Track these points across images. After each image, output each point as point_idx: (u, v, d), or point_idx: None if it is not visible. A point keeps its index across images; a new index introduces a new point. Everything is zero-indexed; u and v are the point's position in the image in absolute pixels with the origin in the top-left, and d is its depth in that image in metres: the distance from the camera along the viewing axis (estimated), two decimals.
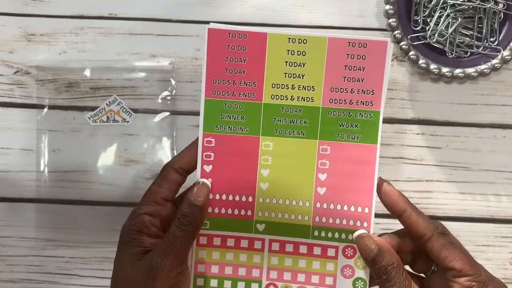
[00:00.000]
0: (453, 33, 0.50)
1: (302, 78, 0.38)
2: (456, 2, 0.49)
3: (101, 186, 0.51)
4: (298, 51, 0.37)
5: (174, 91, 0.51)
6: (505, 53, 0.50)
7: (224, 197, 0.38)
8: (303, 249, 0.39)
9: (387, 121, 0.52)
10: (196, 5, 0.52)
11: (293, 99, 0.38)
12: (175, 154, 0.51)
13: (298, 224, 0.38)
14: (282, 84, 0.38)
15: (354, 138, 0.38)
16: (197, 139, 0.38)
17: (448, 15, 0.50)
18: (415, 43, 0.50)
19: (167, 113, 0.51)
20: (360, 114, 0.38)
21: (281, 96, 0.38)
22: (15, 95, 0.52)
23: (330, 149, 0.38)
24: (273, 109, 0.38)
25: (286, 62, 0.37)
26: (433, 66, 0.50)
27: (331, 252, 0.38)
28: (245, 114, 0.38)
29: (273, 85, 0.38)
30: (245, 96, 0.38)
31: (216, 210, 0.39)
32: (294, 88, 0.38)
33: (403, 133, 0.52)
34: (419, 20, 0.50)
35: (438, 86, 0.52)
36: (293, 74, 0.38)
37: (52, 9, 0.52)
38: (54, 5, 0.52)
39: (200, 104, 0.38)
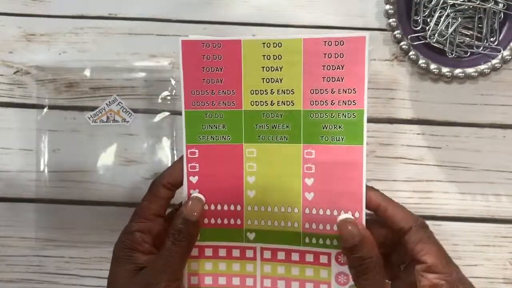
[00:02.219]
0: (453, 33, 0.50)
1: (280, 82, 0.37)
2: (456, 2, 0.49)
3: (101, 186, 0.51)
4: (274, 55, 0.37)
5: (174, 91, 0.51)
6: (505, 53, 0.50)
7: (212, 207, 0.38)
8: (295, 256, 0.38)
9: (387, 121, 0.52)
10: (196, 5, 0.52)
11: (273, 104, 0.37)
12: (175, 154, 0.51)
13: (288, 231, 0.38)
14: (260, 90, 0.37)
15: (338, 140, 0.37)
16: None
17: (448, 15, 0.50)
18: (415, 43, 0.50)
19: (167, 113, 0.51)
20: (343, 114, 0.37)
21: (260, 102, 0.37)
22: (15, 95, 0.52)
23: (315, 152, 0.37)
24: (253, 115, 0.37)
25: (263, 67, 0.37)
26: (433, 66, 0.50)
27: (323, 259, 0.38)
28: (226, 122, 0.38)
29: (252, 91, 0.37)
30: (225, 104, 0.37)
31: (206, 221, 0.38)
32: (273, 93, 0.37)
33: (403, 133, 0.52)
34: (419, 20, 0.50)
35: (438, 86, 0.52)
36: (271, 79, 0.37)
37: (52, 9, 0.52)
38: (54, 5, 0.52)
39: (182, 116, 0.38)
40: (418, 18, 0.50)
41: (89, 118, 0.51)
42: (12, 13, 0.52)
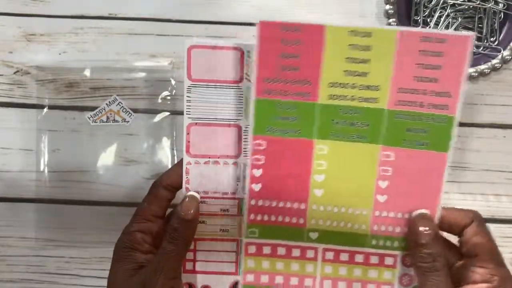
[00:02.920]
0: None
1: (366, 76, 0.33)
2: (456, 2, 0.49)
3: (101, 186, 0.51)
4: (361, 46, 0.33)
5: (174, 91, 0.51)
6: (505, 53, 0.50)
7: (274, 203, 0.36)
8: (359, 258, 0.36)
9: None
10: (196, 5, 0.52)
11: (354, 99, 0.34)
12: (175, 154, 0.51)
13: (354, 233, 0.36)
14: (341, 83, 0.34)
15: (422, 145, 0.34)
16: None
17: (448, 15, 0.50)
18: None
19: (167, 113, 0.51)
20: (432, 118, 0.34)
21: (340, 96, 0.34)
22: (15, 95, 0.52)
23: (394, 155, 0.35)
24: (330, 110, 0.34)
25: (347, 58, 0.33)
26: None
27: (389, 260, 0.36)
28: (298, 115, 0.35)
29: (331, 84, 0.34)
30: (299, 95, 0.34)
31: (266, 218, 0.36)
32: (355, 87, 0.34)
33: None
34: (419, 20, 0.50)
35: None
36: (355, 72, 0.33)
37: (52, 9, 0.52)
38: (54, 5, 0.52)
39: (250, 104, 0.35)
40: (418, 18, 0.50)
41: (89, 118, 0.51)
42: (12, 13, 0.52)
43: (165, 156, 0.51)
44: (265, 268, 0.37)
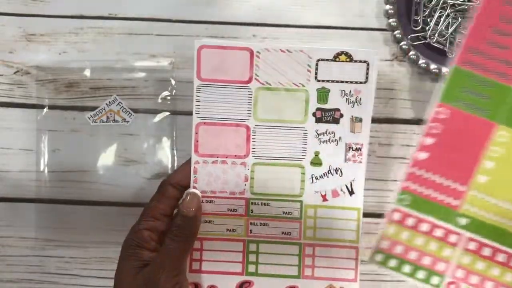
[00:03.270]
0: (453, 33, 0.50)
1: None
2: (456, 2, 0.49)
3: (101, 186, 0.51)
4: None
5: (174, 91, 0.51)
6: None
7: (433, 177, 0.35)
8: (501, 257, 0.35)
9: (387, 121, 0.52)
10: (196, 5, 0.52)
11: None
12: (175, 154, 0.51)
13: (505, 230, 0.35)
14: None
15: None
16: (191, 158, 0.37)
17: (448, 15, 0.50)
18: (415, 43, 0.50)
19: (167, 113, 0.51)
20: None
21: None
22: (15, 95, 0.52)
23: None
24: None
25: None
26: (433, 66, 0.50)
27: None
28: (491, 95, 0.33)
29: None
30: (498, 75, 0.33)
31: (421, 189, 0.35)
32: None
33: (403, 133, 0.52)
34: (419, 20, 0.50)
35: (438, 86, 0.52)
36: None
37: (52, 9, 0.52)
38: (54, 5, 0.52)
39: (447, 71, 0.34)
40: (418, 18, 0.50)
41: (89, 118, 0.51)
42: (12, 13, 0.52)
43: (165, 156, 0.51)
44: (403, 239, 0.36)
